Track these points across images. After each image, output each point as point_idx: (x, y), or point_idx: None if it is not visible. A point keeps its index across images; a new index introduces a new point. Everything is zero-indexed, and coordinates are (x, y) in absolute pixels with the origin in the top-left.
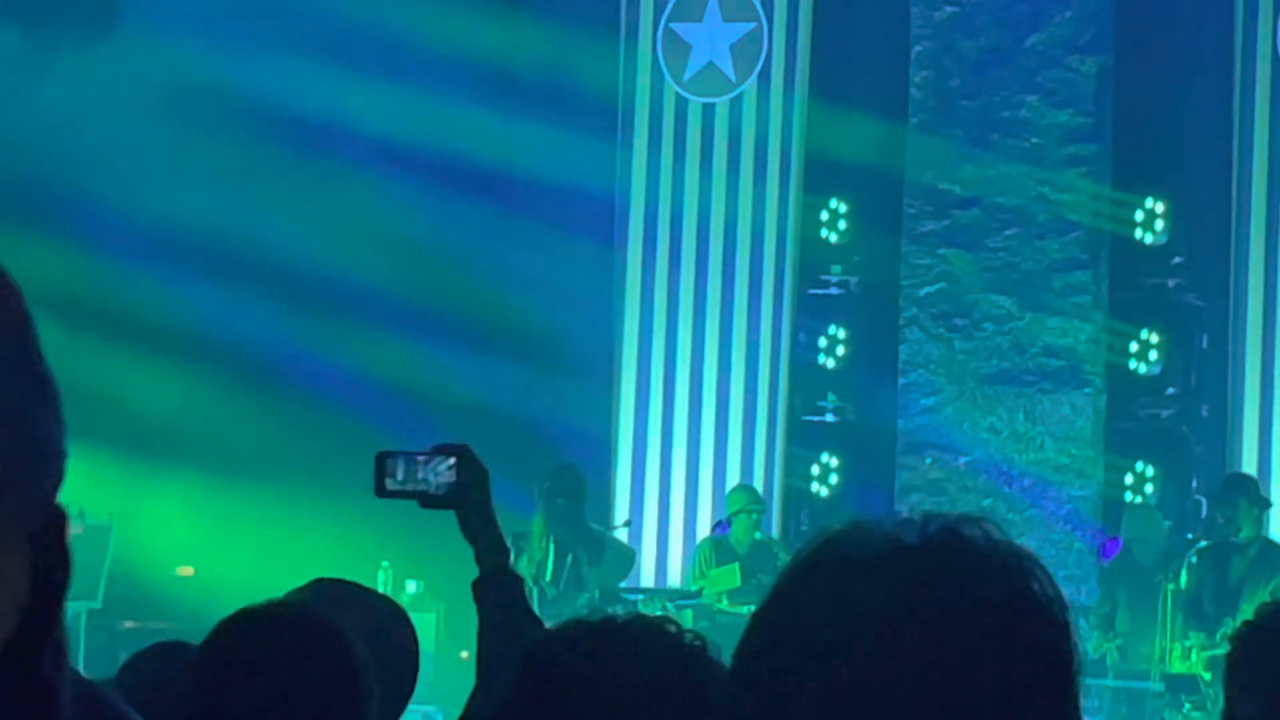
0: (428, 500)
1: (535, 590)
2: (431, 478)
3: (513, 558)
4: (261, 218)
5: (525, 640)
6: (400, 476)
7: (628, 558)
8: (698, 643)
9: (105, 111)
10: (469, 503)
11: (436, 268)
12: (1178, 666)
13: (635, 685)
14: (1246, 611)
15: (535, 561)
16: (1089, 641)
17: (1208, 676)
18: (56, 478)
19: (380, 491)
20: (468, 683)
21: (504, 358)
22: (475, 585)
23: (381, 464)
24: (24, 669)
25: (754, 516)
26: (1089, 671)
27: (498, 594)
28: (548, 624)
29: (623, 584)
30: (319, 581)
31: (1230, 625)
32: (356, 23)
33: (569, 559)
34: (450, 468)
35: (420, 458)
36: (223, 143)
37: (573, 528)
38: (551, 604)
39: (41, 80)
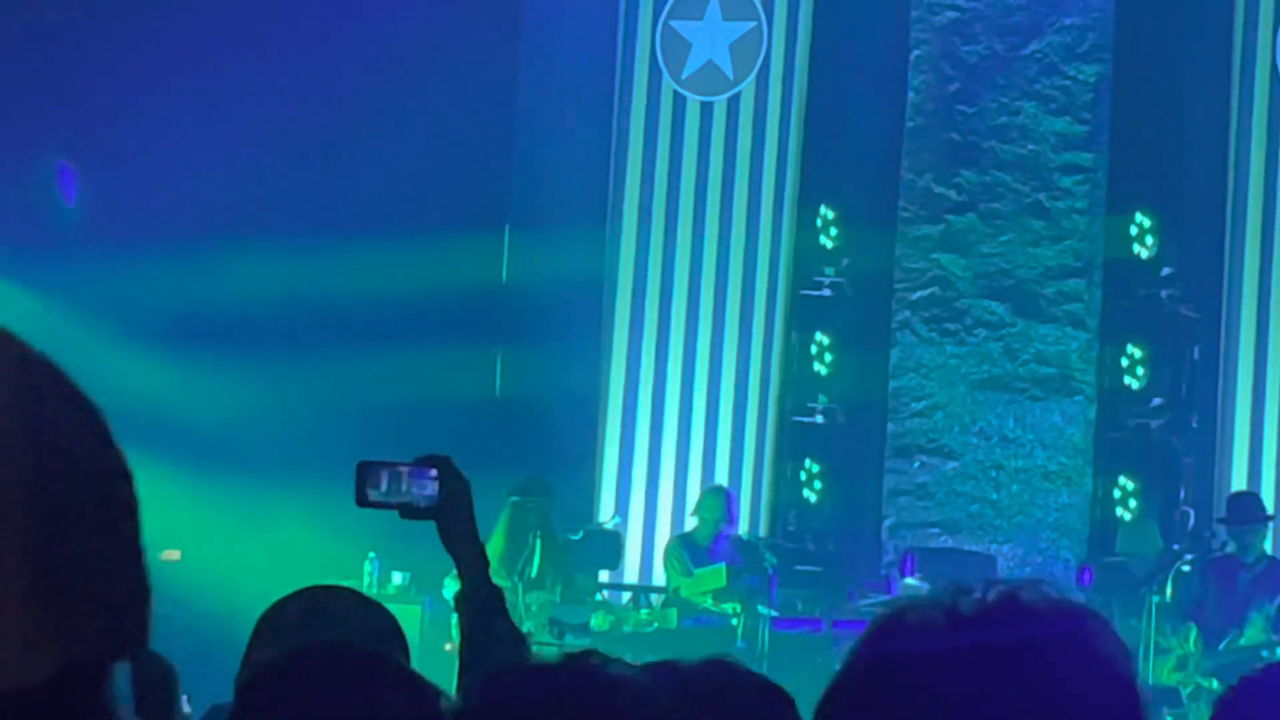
0: (409, 511)
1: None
2: (415, 490)
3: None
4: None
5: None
6: (384, 488)
7: (615, 546)
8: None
9: None
10: (451, 515)
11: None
12: (1161, 677)
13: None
14: (1255, 623)
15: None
16: None
17: (1213, 684)
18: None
19: (362, 501)
20: (452, 674)
21: (491, 340)
22: (456, 598)
23: (363, 473)
24: None
25: (721, 525)
26: None
27: (478, 605)
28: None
29: (606, 579)
30: (312, 590)
31: (1235, 638)
32: None
33: (535, 564)
34: (433, 479)
35: (403, 469)
36: None
37: (544, 535)
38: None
39: None
